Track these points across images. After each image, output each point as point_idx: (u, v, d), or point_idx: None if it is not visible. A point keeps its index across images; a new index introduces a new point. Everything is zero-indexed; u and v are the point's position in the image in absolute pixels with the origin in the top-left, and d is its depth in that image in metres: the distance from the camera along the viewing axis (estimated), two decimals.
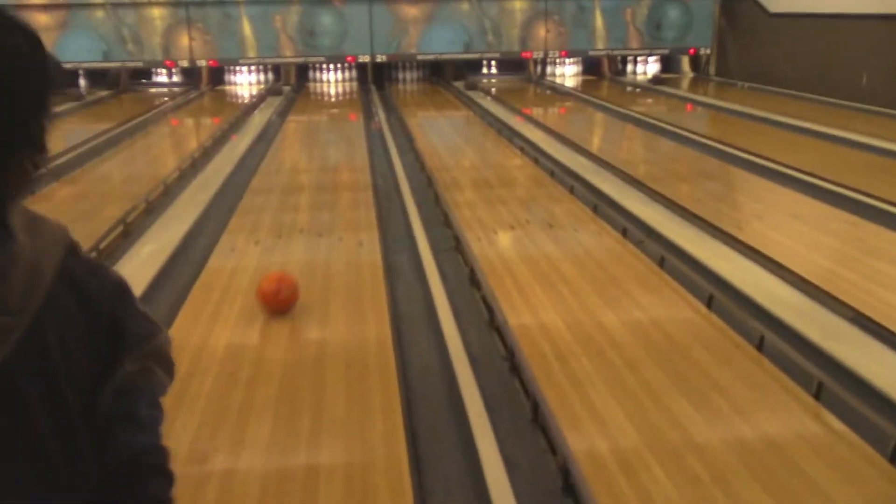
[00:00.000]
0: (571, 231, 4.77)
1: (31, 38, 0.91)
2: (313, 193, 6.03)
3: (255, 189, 6.11)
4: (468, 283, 4.04)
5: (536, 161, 6.94)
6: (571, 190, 5.80)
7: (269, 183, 6.35)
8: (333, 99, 12.76)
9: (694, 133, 8.10)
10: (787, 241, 4.56)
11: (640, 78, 14.17)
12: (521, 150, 7.50)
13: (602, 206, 5.36)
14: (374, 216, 5.18)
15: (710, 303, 3.61)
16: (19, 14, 0.93)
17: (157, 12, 13.01)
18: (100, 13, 12.89)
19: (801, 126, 8.29)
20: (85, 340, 0.92)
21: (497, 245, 4.54)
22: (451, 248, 4.56)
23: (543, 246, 4.46)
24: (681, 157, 7.27)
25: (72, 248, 0.97)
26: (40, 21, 12.72)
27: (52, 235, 0.97)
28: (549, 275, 3.99)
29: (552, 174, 6.40)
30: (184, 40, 13.09)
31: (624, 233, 4.72)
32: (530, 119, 9.63)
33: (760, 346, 3.16)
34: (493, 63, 14.24)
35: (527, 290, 3.77)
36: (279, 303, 3.46)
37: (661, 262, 4.16)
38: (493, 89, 12.67)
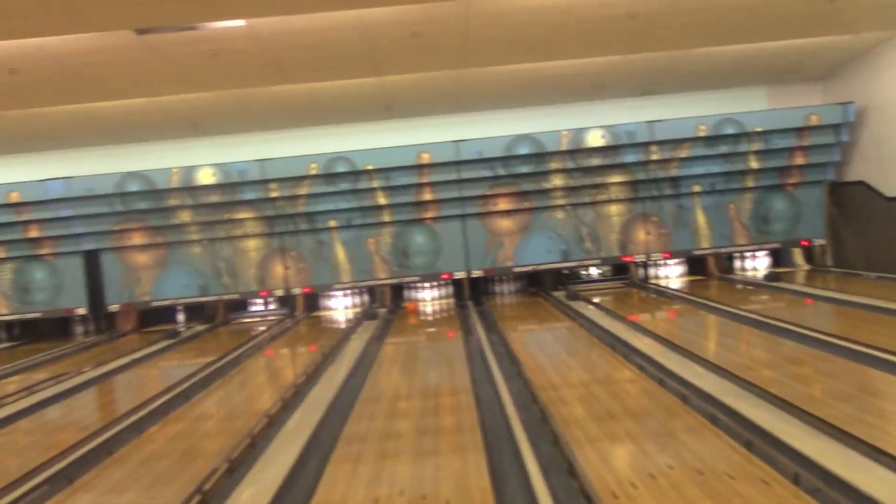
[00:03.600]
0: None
1: None
2: (416, 418, 6.16)
3: (356, 417, 6.29)
4: None
5: (643, 370, 6.94)
6: (713, 420, 5.68)
7: (371, 411, 6.52)
8: (430, 317, 13.16)
9: (820, 332, 7.99)
10: None
11: (750, 274, 14.21)
12: (635, 363, 7.51)
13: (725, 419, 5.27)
14: (481, 444, 5.24)
15: None
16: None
17: (251, 244, 13.99)
18: (196, 249, 13.95)
19: None
20: None
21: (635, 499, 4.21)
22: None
23: (692, 498, 4.18)
24: (808, 360, 7.15)
25: None
26: (140, 261, 13.84)
27: None
28: None
29: (682, 395, 6.36)
30: (278, 269, 13.95)
31: (748, 446, 4.62)
32: (637, 326, 9.70)
33: None
34: (592, 270, 14.60)
35: None
36: None
37: (796, 479, 4.02)
38: (596, 297, 12.87)
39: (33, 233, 13.79)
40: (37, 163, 13.63)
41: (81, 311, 14.07)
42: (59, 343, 13.46)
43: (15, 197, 13.52)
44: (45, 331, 14.63)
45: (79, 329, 14.75)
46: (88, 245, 13.92)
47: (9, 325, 14.62)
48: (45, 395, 8.51)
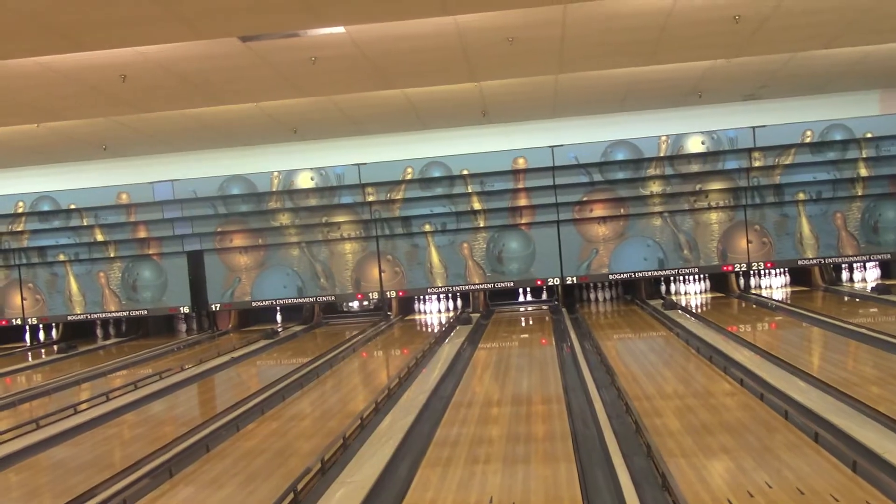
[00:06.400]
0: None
1: None
2: (507, 425, 6.15)
3: (448, 422, 6.32)
4: None
5: (742, 383, 6.76)
6: (815, 437, 5.50)
7: (462, 416, 6.54)
8: (524, 323, 13.12)
9: None
10: None
11: (858, 286, 13.68)
12: (734, 376, 7.33)
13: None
14: (573, 453, 5.20)
15: None
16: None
17: (348, 247, 14.22)
18: (295, 251, 14.26)
19: None
20: None
21: None
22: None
23: None
24: None
25: None
26: (240, 262, 14.23)
27: None
28: None
29: (784, 410, 6.18)
30: (374, 272, 14.13)
31: (853, 466, 4.44)
32: (736, 337, 9.45)
33: None
34: (691, 278, 14.29)
35: None
36: None
37: None
38: (694, 307, 12.61)
39: (141, 233, 14.35)
40: (145, 166, 14.14)
41: (185, 309, 14.56)
42: (164, 340, 13.96)
43: (125, 198, 14.11)
44: (151, 328, 15.19)
45: (182, 327, 15.27)
46: (192, 246, 14.40)
47: (117, 322, 15.25)
48: (150, 391, 8.85)
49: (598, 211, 13.68)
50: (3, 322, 14.87)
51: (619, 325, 11.86)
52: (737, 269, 13.76)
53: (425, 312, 14.68)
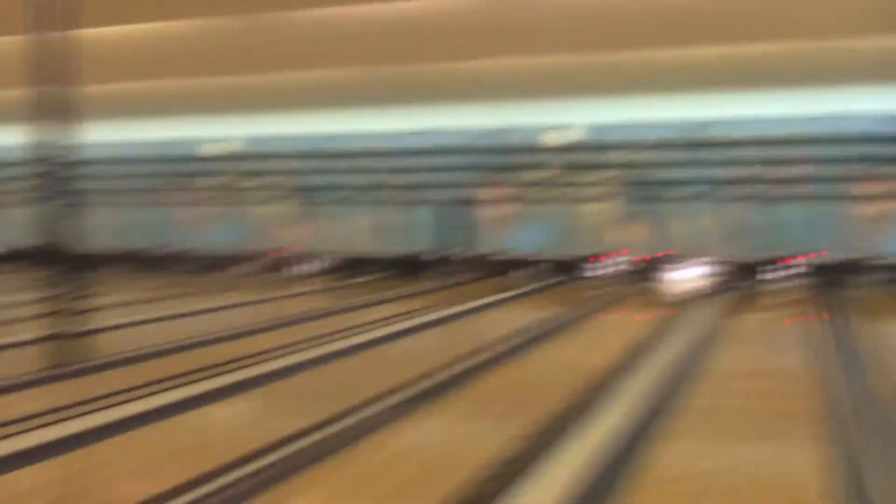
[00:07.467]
0: None
1: None
2: (761, 400, 5.90)
3: (697, 392, 6.16)
4: None
5: None
6: None
7: (716, 386, 6.35)
8: (787, 297, 12.43)
9: None
10: None
11: None
12: None
13: None
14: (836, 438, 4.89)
15: None
16: None
17: (609, 206, 14.11)
18: (558, 206, 14.36)
19: None
20: None
21: None
22: None
23: None
24: None
25: None
26: (503, 213, 14.56)
27: None
28: None
29: None
30: (632, 233, 13.94)
31: None
32: None
33: None
34: None
35: None
36: None
37: None
38: None
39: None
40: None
41: (441, 254, 15.10)
42: (419, 282, 14.57)
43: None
44: (410, 269, 15.85)
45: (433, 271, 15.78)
46: (456, 193, 14.85)
47: (380, 261, 16.05)
48: (404, 327, 9.32)
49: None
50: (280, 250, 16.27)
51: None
52: None
53: (679, 279, 14.23)
